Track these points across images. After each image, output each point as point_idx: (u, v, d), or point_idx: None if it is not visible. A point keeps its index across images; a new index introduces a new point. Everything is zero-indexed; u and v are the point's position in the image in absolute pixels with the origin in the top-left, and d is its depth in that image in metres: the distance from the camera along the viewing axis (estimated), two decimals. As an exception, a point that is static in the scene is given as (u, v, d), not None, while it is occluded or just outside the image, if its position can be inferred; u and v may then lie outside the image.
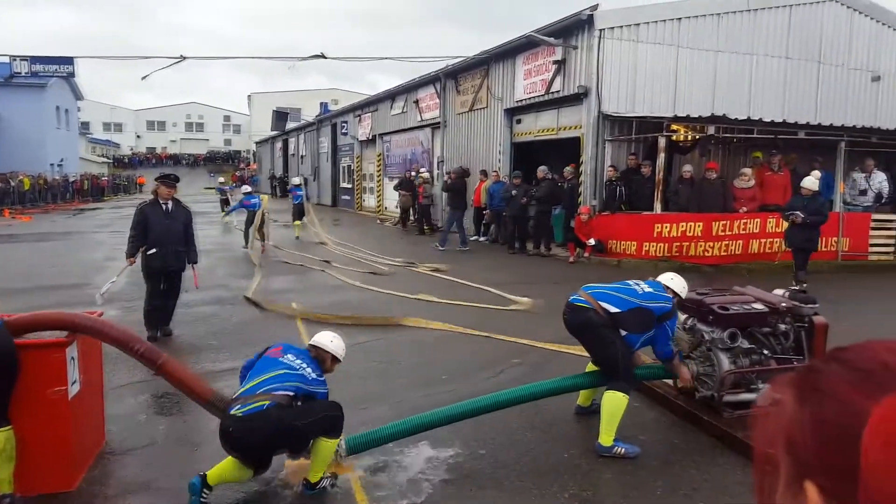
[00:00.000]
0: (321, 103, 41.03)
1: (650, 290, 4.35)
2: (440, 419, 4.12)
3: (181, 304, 8.31)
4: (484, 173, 15.66)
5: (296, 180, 19.13)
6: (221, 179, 21.54)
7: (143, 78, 17.49)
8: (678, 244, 11.27)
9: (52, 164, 39.38)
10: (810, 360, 4.46)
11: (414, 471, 4.02)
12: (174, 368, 3.95)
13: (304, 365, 3.77)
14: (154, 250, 6.80)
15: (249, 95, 70.60)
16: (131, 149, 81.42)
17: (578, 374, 4.58)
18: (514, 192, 13.28)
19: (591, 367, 4.63)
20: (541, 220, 13.16)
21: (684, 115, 12.27)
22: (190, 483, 3.54)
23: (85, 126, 66.66)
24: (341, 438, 3.84)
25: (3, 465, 3.57)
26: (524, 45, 14.53)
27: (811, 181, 9.16)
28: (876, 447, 0.48)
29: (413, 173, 16.94)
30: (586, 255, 11.79)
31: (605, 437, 4.12)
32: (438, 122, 19.23)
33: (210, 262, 13.00)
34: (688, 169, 11.95)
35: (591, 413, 4.75)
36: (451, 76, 18.32)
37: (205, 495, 3.51)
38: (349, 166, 29.94)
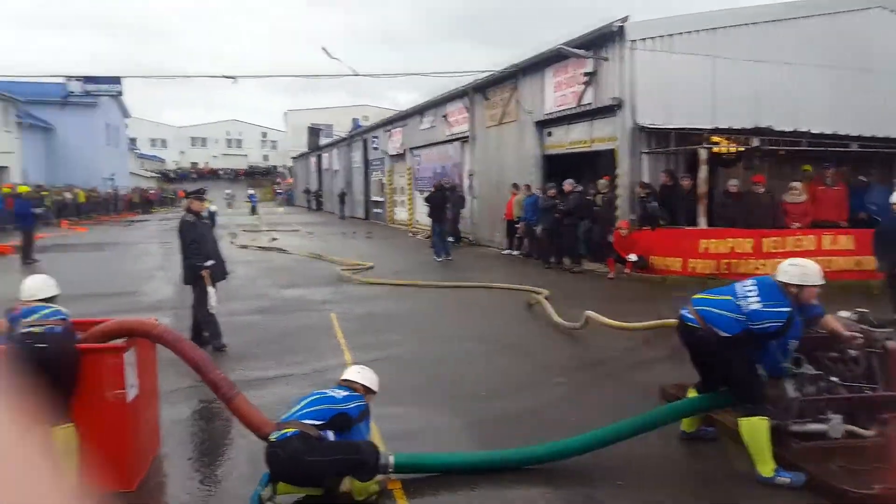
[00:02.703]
0: (353, 119, 41.46)
1: (758, 304, 3.76)
2: (521, 458, 3.84)
3: (226, 312, 8.31)
4: (515, 186, 15.48)
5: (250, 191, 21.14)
6: (251, 191, 22.24)
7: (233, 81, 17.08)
8: (726, 261, 10.54)
9: (104, 178, 40.40)
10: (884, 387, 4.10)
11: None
12: (241, 405, 3.88)
13: (338, 389, 3.72)
14: (212, 262, 6.86)
15: (285, 113, 71.72)
16: (176, 164, 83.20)
17: (688, 399, 4.18)
18: (548, 204, 13.05)
19: (692, 392, 4.27)
20: (568, 234, 12.89)
21: (725, 126, 11.86)
22: (254, 494, 3.49)
23: (132, 142, 68.34)
24: (388, 458, 3.71)
25: (65, 461, 3.55)
26: (553, 58, 14.34)
27: None
28: None
29: (444, 184, 16.92)
30: (627, 270, 11.33)
31: (763, 467, 3.73)
32: (467, 136, 19.13)
33: (250, 272, 13.09)
34: (734, 183, 11.31)
35: (700, 439, 4.35)
36: (480, 90, 18.23)
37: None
38: (380, 180, 29.98)
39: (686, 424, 4.38)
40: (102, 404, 3.78)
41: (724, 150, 11.88)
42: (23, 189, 17.19)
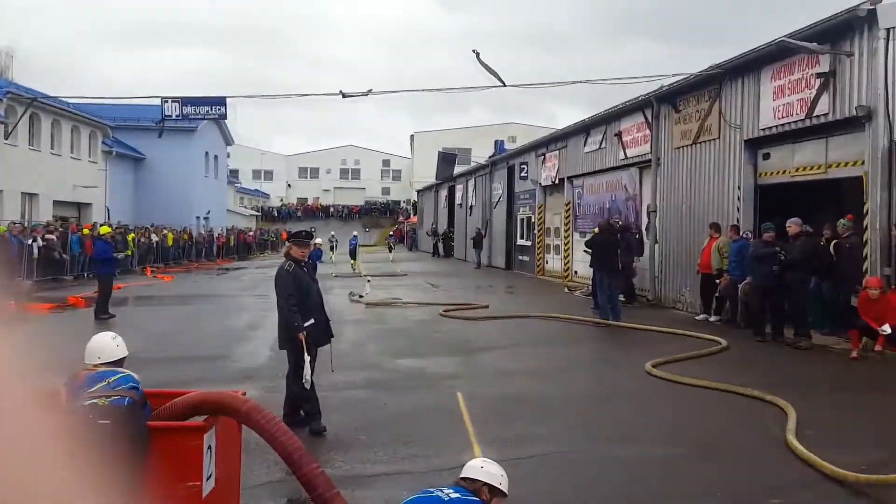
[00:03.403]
0: (495, 141, 42.32)
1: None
2: None
3: (328, 385, 8.63)
4: (715, 227, 14.87)
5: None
6: (318, 240, 23.25)
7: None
8: None
9: (197, 218, 44.54)
10: None
11: None
12: None
13: (450, 490, 3.64)
14: (313, 321, 7.21)
15: (412, 135, 75.12)
16: (281, 199, 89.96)
17: None
18: (764, 252, 12.33)
19: None
20: (792, 294, 12.07)
21: None
22: None
23: (234, 174, 75.12)
24: None
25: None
26: (772, 55, 13.80)
27: None
28: None
29: (614, 224, 16.71)
30: (878, 347, 10.42)
31: None
32: (649, 160, 18.78)
33: (360, 334, 13.59)
34: None
35: None
36: (667, 100, 17.91)
37: None
38: (528, 218, 30.21)
39: None
40: (173, 498, 3.96)
41: None
42: (104, 230, 18.98)
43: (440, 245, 48.65)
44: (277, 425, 4.24)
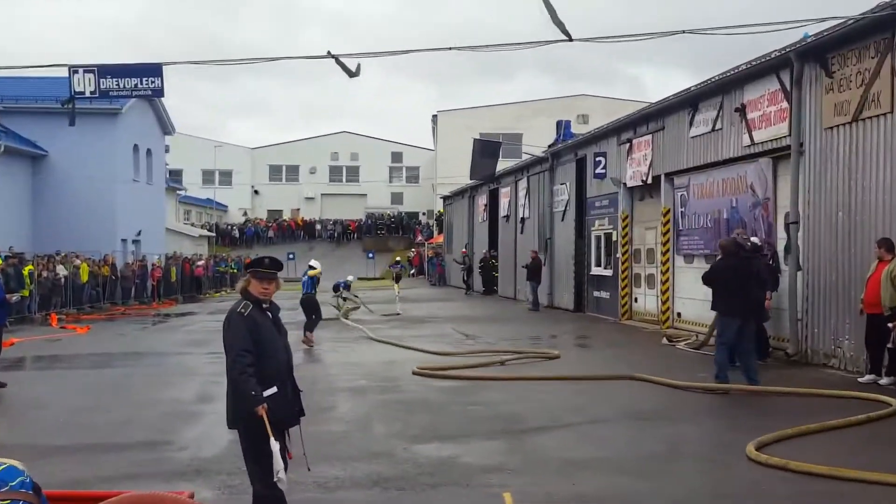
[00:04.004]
0: (558, 123, 42.39)
1: None
2: None
3: (314, 484, 8.63)
4: (887, 246, 14.76)
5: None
6: (313, 263, 23.73)
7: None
8: None
9: (124, 241, 44.99)
10: None
11: None
12: None
13: None
14: (275, 389, 7.16)
15: (435, 116, 75.43)
16: (244, 213, 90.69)
17: None
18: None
19: None
20: None
21: None
22: None
23: (175, 177, 75.94)
24: None
25: None
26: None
27: None
28: None
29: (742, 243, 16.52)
30: None
31: None
32: (787, 147, 18.69)
33: (360, 408, 13.65)
34: None
35: None
36: (813, 57, 17.84)
37: None
38: (608, 235, 30.22)
39: None
40: None
41: None
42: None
43: (472, 277, 48.96)
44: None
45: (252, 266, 7.60)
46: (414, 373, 16.82)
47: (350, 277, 28.07)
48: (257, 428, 6.98)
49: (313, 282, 23.40)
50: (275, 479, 6.89)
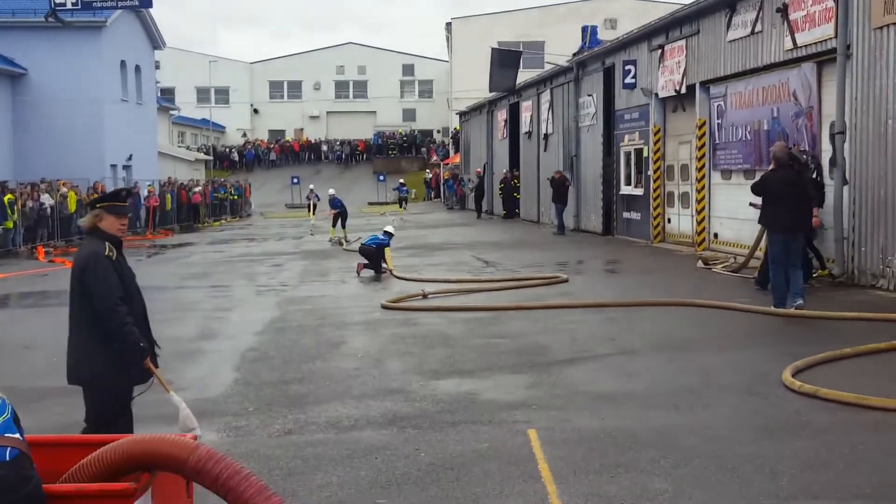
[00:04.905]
0: (583, 28, 42.05)
1: None
2: None
3: (325, 422, 8.75)
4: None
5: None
6: (390, 230, 24.04)
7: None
8: None
9: (113, 167, 44.98)
10: None
11: None
12: None
13: None
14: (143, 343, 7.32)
15: (449, 23, 74.77)
16: (244, 134, 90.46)
17: None
18: None
19: None
20: None
21: None
22: None
23: (168, 95, 75.68)
24: None
25: None
26: None
27: None
28: None
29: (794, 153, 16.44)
30: None
31: None
32: (833, 50, 18.52)
33: (374, 343, 13.79)
34: None
35: None
36: (863, -50, 17.66)
37: None
38: (638, 151, 30.19)
39: None
40: None
41: None
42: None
43: (483, 199, 49.54)
44: (246, 479, 4.37)
45: (106, 199, 7.48)
46: (383, 306, 17.02)
47: (390, 227, 26.76)
48: (115, 387, 7.20)
49: (385, 241, 23.29)
50: (194, 433, 6.86)
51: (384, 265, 22.49)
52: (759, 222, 15.81)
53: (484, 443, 8.53)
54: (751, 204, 17.21)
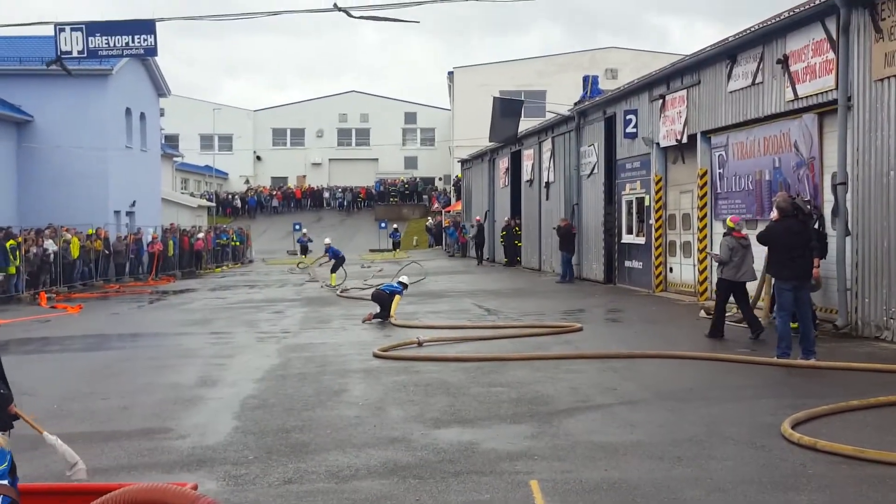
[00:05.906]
0: (584, 78, 42.25)
1: None
2: None
3: (325, 472, 8.67)
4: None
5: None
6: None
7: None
8: None
9: (117, 213, 45.07)
10: None
11: None
12: None
13: None
14: None
15: (450, 72, 75.30)
16: (247, 181, 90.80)
17: None
18: None
19: None
20: None
21: None
22: None
23: (172, 142, 76.03)
24: None
25: None
26: None
27: None
28: None
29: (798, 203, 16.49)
30: None
31: None
32: (834, 101, 18.60)
33: (374, 391, 13.74)
34: None
35: None
36: (862, 2, 17.72)
37: None
38: (639, 200, 30.26)
39: None
40: None
41: None
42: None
43: (484, 246, 49.57)
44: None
45: None
46: (375, 355, 16.91)
47: (405, 278, 26.39)
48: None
49: (398, 289, 23.57)
50: (71, 473, 6.79)
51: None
52: (767, 272, 15.83)
53: (485, 493, 8.47)
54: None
